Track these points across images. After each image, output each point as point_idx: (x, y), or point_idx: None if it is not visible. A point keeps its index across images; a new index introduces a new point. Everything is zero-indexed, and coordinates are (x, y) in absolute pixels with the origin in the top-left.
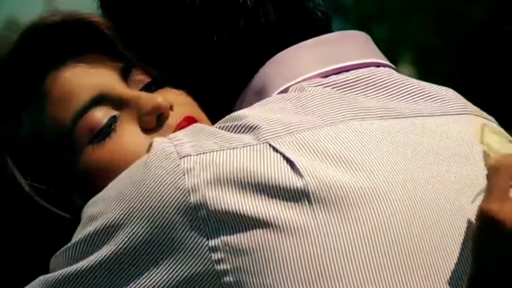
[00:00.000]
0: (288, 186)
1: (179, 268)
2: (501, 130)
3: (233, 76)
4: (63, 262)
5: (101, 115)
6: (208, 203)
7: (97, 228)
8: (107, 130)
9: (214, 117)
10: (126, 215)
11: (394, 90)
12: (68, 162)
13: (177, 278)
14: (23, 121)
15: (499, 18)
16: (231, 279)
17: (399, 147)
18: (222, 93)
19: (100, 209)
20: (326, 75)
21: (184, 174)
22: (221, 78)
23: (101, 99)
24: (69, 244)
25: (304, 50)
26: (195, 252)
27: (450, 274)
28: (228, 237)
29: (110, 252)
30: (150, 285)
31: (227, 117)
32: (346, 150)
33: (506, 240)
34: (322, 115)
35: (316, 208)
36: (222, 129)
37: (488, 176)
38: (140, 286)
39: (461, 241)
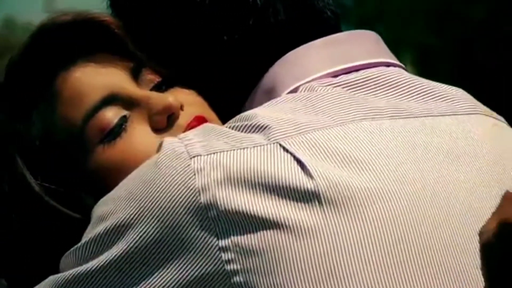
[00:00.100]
0: (298, 187)
1: (189, 268)
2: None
3: (243, 75)
4: (73, 262)
5: (111, 115)
6: (219, 203)
7: (107, 228)
8: (117, 130)
9: (224, 117)
10: (137, 215)
11: (404, 90)
12: (78, 162)
13: (187, 277)
14: (34, 121)
15: (499, 18)
16: (241, 279)
17: (409, 147)
18: (232, 93)
19: (110, 208)
20: (336, 74)
21: (194, 174)
22: (231, 78)
23: (111, 99)
24: (79, 244)
25: (313, 49)
26: (205, 252)
27: (460, 272)
28: (238, 237)
29: (121, 252)
30: (160, 285)
31: (238, 116)
32: (356, 150)
33: None
34: (332, 115)
35: (326, 209)
36: (232, 128)
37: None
38: (150, 286)
39: (471, 240)
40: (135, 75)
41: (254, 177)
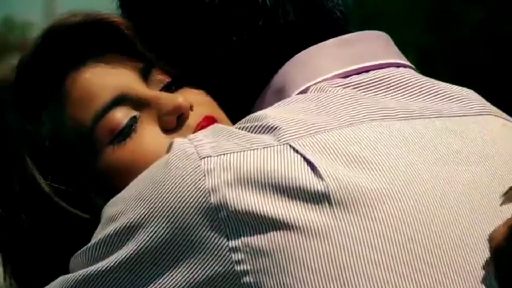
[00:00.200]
0: (308, 188)
1: (200, 268)
2: None
3: (253, 76)
4: (83, 262)
5: (121, 115)
6: (229, 203)
7: (117, 228)
8: (127, 131)
9: (234, 117)
10: (147, 215)
11: (414, 90)
12: (88, 163)
13: (198, 278)
14: (44, 122)
15: (498, 19)
16: (251, 280)
17: (419, 148)
18: (242, 93)
19: (120, 209)
20: (346, 75)
21: (204, 175)
22: (240, 78)
23: (121, 100)
24: (89, 244)
25: (324, 50)
26: (215, 252)
27: (469, 272)
28: (248, 238)
29: (131, 252)
30: (170, 285)
31: (248, 117)
32: (365, 151)
33: None
34: (343, 116)
35: (336, 210)
36: (242, 129)
37: None
38: (160, 286)
39: (481, 239)
40: (145, 76)
41: (264, 178)
